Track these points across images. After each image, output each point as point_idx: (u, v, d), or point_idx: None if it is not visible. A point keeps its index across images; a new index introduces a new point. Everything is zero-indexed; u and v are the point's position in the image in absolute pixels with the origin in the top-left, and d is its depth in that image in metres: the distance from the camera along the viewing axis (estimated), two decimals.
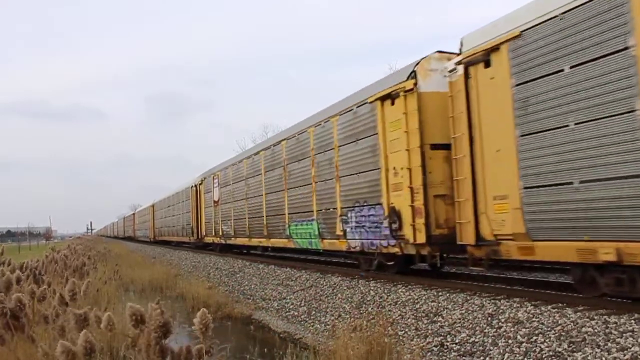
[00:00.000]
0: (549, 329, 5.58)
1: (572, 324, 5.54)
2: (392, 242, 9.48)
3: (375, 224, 9.96)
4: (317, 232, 12.38)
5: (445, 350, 5.95)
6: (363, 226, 10.38)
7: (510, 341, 5.59)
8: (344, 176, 11.10)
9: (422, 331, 6.67)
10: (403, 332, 6.81)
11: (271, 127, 59.62)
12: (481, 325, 6.25)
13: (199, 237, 25.26)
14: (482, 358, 5.51)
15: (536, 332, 5.60)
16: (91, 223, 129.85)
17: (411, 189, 8.95)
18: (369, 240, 10.20)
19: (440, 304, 7.38)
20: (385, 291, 8.77)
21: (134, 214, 61.02)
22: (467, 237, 7.71)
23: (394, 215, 9.38)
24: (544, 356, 5.05)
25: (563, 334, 5.37)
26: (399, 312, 7.60)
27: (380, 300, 8.39)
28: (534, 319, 5.94)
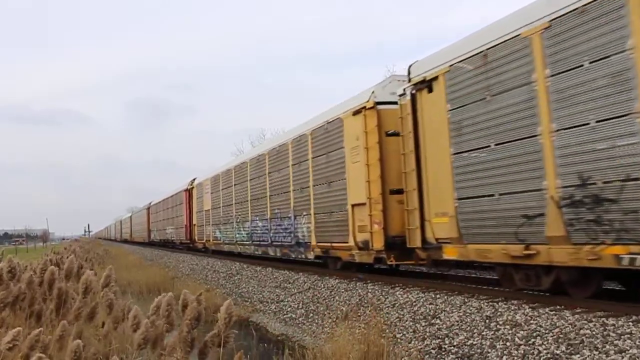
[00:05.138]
0: (546, 331, 5.58)
1: (570, 326, 5.54)
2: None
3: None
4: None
5: (443, 353, 5.94)
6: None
7: (508, 343, 5.59)
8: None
9: (420, 333, 6.66)
10: (401, 334, 6.80)
11: (269, 131, 59.68)
12: (479, 327, 6.24)
13: None
14: None
15: (534, 334, 5.60)
16: (89, 225, 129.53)
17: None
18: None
19: (438, 307, 7.37)
20: (383, 293, 8.76)
21: (170, 197, 31.23)
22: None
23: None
24: (542, 358, 5.05)
25: (561, 336, 5.36)
26: (396, 314, 7.59)
27: (378, 302, 8.37)
28: (531, 322, 5.94)
